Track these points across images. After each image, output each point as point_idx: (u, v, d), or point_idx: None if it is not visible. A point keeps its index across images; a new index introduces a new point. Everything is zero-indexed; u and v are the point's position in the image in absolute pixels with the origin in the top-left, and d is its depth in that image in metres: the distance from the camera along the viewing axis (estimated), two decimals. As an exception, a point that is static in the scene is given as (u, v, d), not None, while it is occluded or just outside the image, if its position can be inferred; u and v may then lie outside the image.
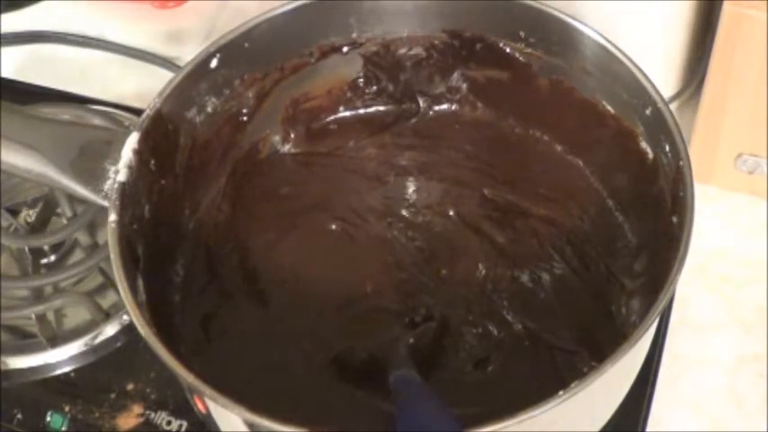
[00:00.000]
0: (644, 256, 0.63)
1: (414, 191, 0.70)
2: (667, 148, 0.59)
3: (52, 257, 0.73)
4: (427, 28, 0.68)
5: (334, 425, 0.57)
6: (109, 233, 0.56)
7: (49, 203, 0.75)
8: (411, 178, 0.70)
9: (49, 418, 0.65)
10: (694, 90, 0.76)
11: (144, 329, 0.52)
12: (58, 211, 0.75)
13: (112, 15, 0.90)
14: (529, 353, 0.61)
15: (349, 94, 0.72)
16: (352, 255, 0.67)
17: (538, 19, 0.64)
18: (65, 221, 0.74)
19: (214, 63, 0.64)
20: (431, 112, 0.72)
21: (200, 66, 0.63)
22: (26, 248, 0.72)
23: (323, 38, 0.68)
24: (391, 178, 0.70)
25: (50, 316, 0.70)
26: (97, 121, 0.76)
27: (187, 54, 0.81)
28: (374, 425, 0.58)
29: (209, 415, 0.55)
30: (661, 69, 0.74)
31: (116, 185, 0.57)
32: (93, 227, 0.73)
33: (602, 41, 0.62)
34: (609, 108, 0.64)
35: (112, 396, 0.65)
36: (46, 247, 0.73)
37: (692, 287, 0.69)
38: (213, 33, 0.86)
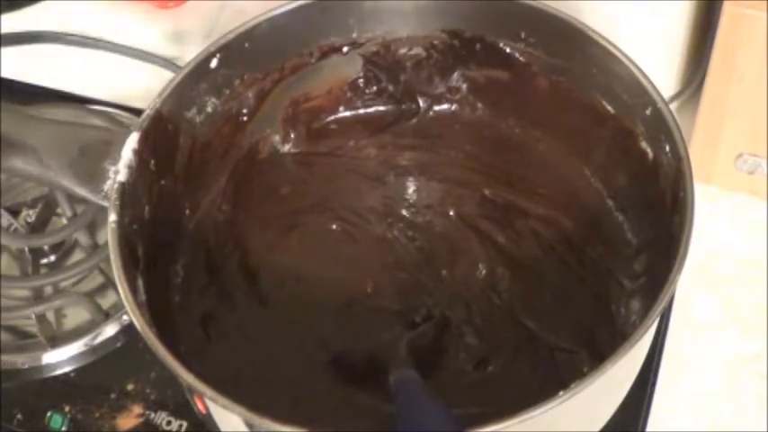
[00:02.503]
0: (644, 256, 0.63)
1: (414, 191, 0.70)
2: (667, 148, 0.59)
3: (52, 257, 0.73)
4: (427, 28, 0.68)
5: (334, 425, 0.57)
6: (109, 233, 0.56)
7: (49, 203, 0.75)
8: (411, 178, 0.70)
9: (48, 418, 0.65)
10: (694, 90, 0.76)
11: (144, 329, 0.52)
12: (58, 211, 0.75)
13: (112, 15, 0.90)
14: (529, 353, 0.61)
15: (349, 94, 0.72)
16: (352, 255, 0.67)
17: (538, 19, 0.64)
18: (65, 221, 0.74)
19: (214, 63, 0.64)
20: (431, 113, 0.72)
21: (200, 66, 0.63)
22: (26, 248, 0.72)
23: (323, 38, 0.68)
24: (391, 178, 0.70)
25: (50, 316, 0.70)
26: (97, 121, 0.76)
27: (187, 54, 0.81)
28: (374, 425, 0.58)
29: (209, 415, 0.55)
30: (661, 69, 0.74)
31: (116, 185, 0.57)
32: (93, 227, 0.73)
33: (602, 41, 0.62)
34: (609, 108, 0.64)
35: (112, 396, 0.65)
36: (46, 247, 0.73)
37: (692, 287, 0.69)
38: (213, 33, 0.86)
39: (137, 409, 0.65)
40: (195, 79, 0.63)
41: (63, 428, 0.64)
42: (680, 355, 0.67)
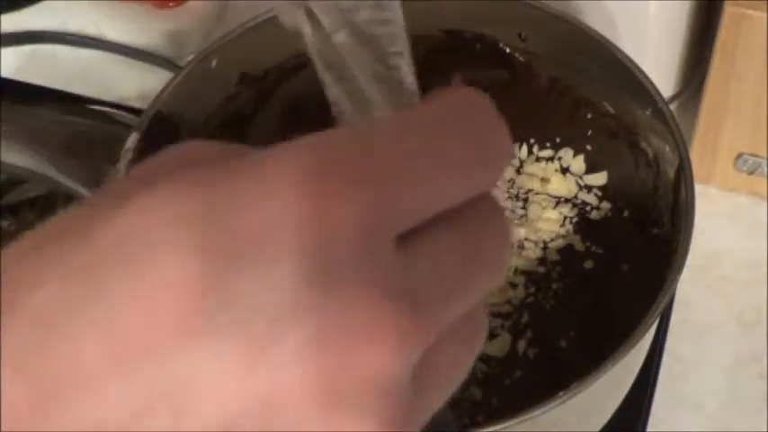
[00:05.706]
0: (644, 256, 0.63)
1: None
2: (667, 148, 0.59)
3: (52, 257, 0.73)
4: (427, 28, 0.68)
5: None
6: (109, 233, 0.55)
7: (49, 203, 0.75)
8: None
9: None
10: (694, 90, 0.76)
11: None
12: (59, 211, 0.75)
13: (112, 15, 0.90)
14: (529, 353, 0.61)
15: (349, 95, 0.72)
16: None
17: (538, 19, 0.64)
18: (65, 221, 0.74)
19: (214, 63, 0.64)
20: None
21: (200, 66, 0.63)
22: (26, 248, 0.72)
23: (323, 38, 0.68)
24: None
25: (50, 316, 0.70)
26: (97, 121, 0.76)
27: (187, 54, 0.81)
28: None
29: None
30: (661, 69, 0.74)
31: (116, 185, 0.57)
32: (93, 227, 0.73)
33: (602, 41, 0.62)
34: (609, 108, 0.64)
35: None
36: (46, 248, 0.73)
37: (692, 287, 0.69)
38: (213, 33, 0.86)
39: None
40: (195, 79, 0.63)
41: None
42: (680, 355, 0.67)
